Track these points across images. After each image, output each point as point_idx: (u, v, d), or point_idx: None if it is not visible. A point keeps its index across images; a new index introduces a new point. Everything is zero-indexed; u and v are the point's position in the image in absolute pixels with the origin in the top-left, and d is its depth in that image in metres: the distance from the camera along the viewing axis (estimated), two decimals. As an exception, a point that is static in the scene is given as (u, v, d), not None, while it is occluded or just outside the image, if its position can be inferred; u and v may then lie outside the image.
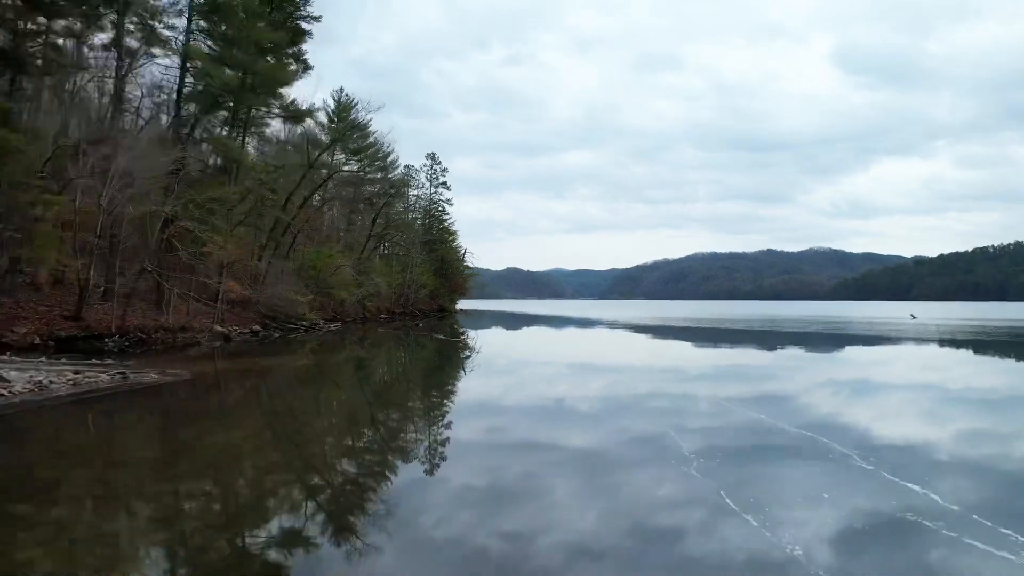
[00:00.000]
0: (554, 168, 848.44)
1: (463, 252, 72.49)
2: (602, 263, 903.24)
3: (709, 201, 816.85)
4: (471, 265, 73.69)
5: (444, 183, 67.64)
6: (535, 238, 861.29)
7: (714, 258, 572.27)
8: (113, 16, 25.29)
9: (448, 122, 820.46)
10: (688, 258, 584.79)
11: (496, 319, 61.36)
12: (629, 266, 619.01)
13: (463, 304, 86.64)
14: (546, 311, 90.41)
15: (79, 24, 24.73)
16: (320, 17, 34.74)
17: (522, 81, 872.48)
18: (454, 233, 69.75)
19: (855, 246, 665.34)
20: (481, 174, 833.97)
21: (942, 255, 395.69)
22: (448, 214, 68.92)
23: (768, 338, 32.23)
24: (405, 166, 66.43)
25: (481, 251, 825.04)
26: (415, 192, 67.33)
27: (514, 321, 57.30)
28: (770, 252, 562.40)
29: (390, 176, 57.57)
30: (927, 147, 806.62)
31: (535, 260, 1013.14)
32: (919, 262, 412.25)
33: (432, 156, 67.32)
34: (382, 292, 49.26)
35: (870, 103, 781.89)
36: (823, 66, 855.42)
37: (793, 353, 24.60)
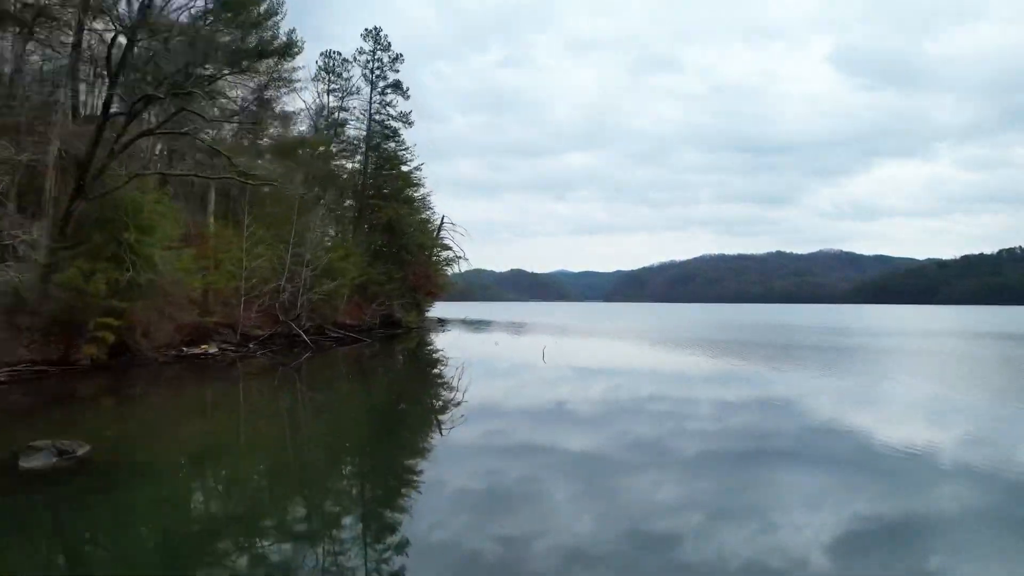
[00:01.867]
0: (556, 170, 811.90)
1: (438, 222, 39.98)
2: (607, 265, 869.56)
3: (711, 203, 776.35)
4: (455, 247, 40.71)
5: (396, 84, 35.06)
6: (539, 240, 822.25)
7: (722, 260, 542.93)
8: None
9: (449, 125, 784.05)
10: (695, 260, 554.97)
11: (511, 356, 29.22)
12: (634, 267, 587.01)
13: (440, 309, 53.62)
14: (566, 320, 58.32)
15: None
16: None
17: (520, 83, 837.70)
18: (417, 183, 36.99)
19: (863, 248, 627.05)
20: (483, 176, 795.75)
21: (967, 256, 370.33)
22: (406, 147, 36.29)
23: None
24: (327, 52, 34.07)
25: (485, 253, 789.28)
26: (355, 104, 34.97)
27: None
28: (779, 254, 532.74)
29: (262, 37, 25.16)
30: (929, 149, 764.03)
31: (539, 262, 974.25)
32: (942, 264, 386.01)
33: (374, 34, 34.69)
34: (165, 288, 16.72)
35: (870, 105, 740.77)
36: (822, 68, 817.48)
37: None
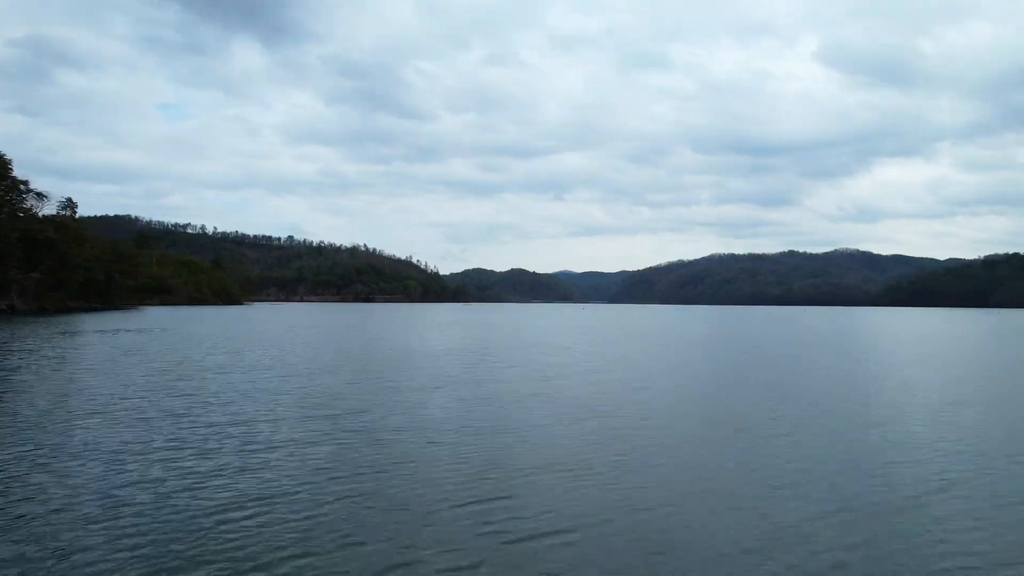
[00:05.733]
0: (552, 170, 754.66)
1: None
2: (611, 265, 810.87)
3: (712, 204, 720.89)
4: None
5: None
6: (541, 241, 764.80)
7: (733, 260, 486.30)
8: None
9: (438, 124, 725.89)
10: (705, 259, 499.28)
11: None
12: (641, 268, 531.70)
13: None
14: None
15: None
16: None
17: (508, 82, 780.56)
18: None
19: (874, 249, 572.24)
20: (478, 177, 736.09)
21: (1018, 254, 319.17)
22: None
23: None
24: None
25: (485, 253, 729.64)
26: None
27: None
28: (792, 254, 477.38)
29: None
30: (929, 149, 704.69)
31: (542, 262, 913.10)
32: (989, 263, 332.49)
33: None
34: None
35: (867, 104, 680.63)
36: (814, 66, 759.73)
37: None
